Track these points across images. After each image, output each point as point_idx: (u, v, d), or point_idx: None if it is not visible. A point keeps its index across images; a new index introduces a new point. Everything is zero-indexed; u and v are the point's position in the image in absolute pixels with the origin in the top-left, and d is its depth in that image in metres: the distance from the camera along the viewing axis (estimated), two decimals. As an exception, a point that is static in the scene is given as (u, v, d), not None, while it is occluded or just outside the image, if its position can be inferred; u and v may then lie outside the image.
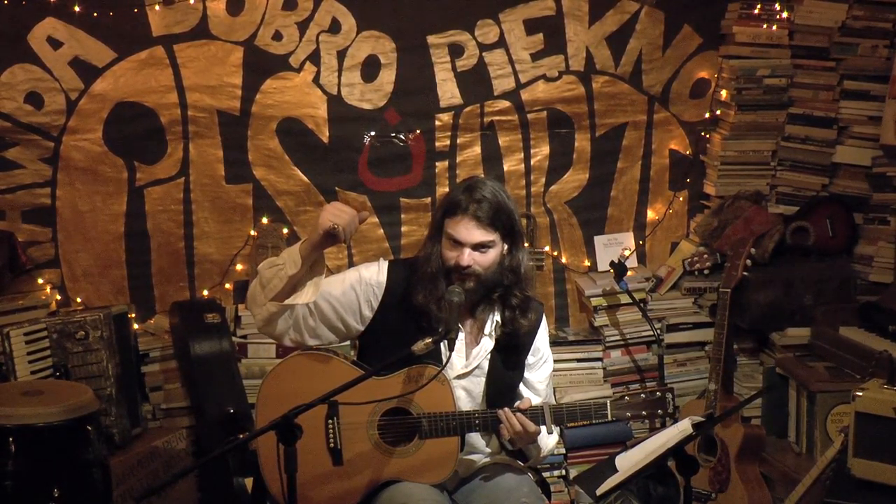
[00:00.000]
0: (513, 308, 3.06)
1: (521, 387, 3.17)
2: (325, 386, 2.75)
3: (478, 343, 3.09)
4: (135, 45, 4.17)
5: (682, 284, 4.57)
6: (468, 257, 2.96)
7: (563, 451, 4.34)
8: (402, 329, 2.99)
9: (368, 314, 3.05)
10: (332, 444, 2.96)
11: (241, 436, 3.65)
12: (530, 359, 3.17)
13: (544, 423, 2.98)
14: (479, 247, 2.97)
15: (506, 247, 3.03)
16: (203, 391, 3.96)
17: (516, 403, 3.00)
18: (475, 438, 3.10)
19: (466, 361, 3.07)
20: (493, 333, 3.08)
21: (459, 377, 3.06)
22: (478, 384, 3.08)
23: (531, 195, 4.56)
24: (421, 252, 3.11)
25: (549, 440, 3.16)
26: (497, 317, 3.08)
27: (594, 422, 3.02)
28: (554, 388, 4.07)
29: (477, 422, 2.97)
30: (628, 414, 3.04)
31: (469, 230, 2.96)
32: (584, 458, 4.31)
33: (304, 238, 2.93)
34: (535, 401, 3.11)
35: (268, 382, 2.98)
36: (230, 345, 4.06)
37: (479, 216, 2.95)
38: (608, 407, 3.02)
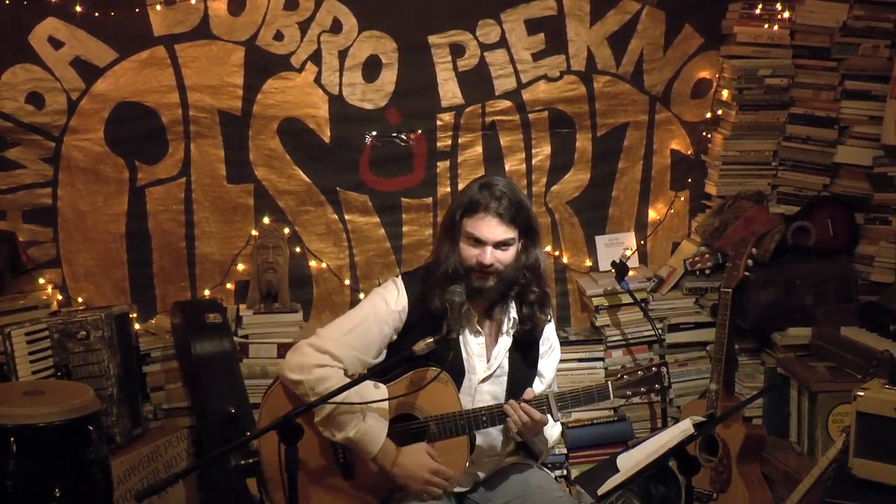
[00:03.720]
0: (531, 304, 3.06)
1: None
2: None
3: (496, 343, 3.08)
4: (136, 45, 4.17)
5: (683, 284, 4.57)
6: (490, 255, 2.95)
7: (564, 451, 4.34)
8: (423, 337, 2.97)
9: (395, 336, 3.04)
10: (341, 459, 2.96)
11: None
12: (541, 348, 3.18)
13: (550, 412, 2.98)
14: (501, 244, 2.96)
15: (521, 244, 3.02)
16: (204, 391, 3.96)
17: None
18: (491, 437, 3.09)
19: (488, 364, 3.06)
20: (510, 331, 3.08)
21: (484, 381, 3.06)
22: (501, 384, 3.08)
23: (532, 195, 4.55)
24: (432, 257, 3.10)
25: (553, 431, 3.18)
26: (513, 314, 3.08)
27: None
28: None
29: (484, 418, 2.97)
30: (629, 392, 3.07)
31: (492, 228, 2.95)
32: (586, 458, 4.31)
33: (393, 454, 2.90)
34: (539, 388, 3.12)
35: (271, 397, 2.99)
36: (231, 345, 4.06)
37: (501, 213, 2.94)
38: (609, 388, 3.04)
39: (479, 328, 3.06)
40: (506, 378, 3.08)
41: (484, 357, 3.06)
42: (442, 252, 3.02)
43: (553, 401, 2.99)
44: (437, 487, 2.92)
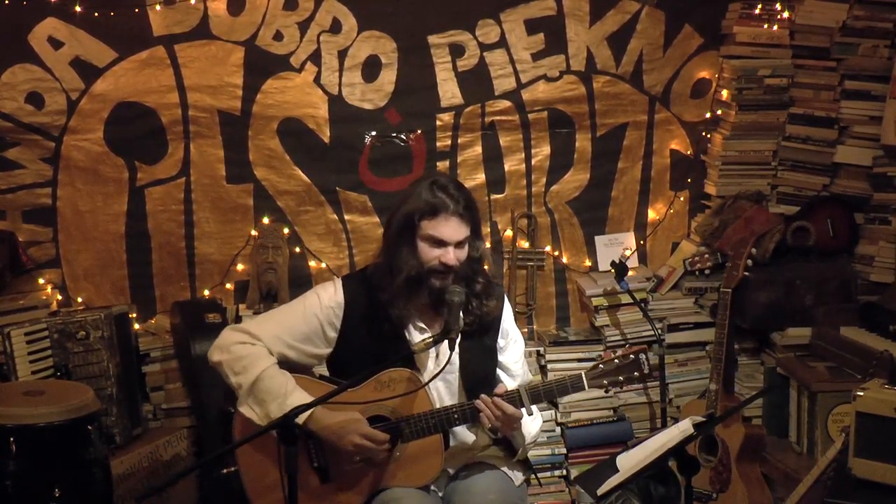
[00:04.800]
0: (477, 295, 3.07)
1: (497, 371, 3.17)
2: None
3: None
4: (136, 45, 4.17)
5: (682, 284, 4.58)
6: (454, 255, 2.96)
7: (564, 450, 4.34)
8: (369, 341, 2.99)
9: (333, 335, 3.05)
10: (315, 464, 2.96)
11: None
12: (500, 342, 3.18)
13: (523, 406, 2.97)
14: (460, 243, 2.99)
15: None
16: (204, 391, 3.95)
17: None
18: (465, 434, 3.09)
19: (437, 360, 3.05)
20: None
21: (434, 377, 3.05)
22: (453, 379, 3.08)
23: (532, 195, 4.56)
24: (383, 260, 3.07)
25: (531, 426, 3.15)
26: None
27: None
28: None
29: (456, 416, 2.97)
30: (605, 381, 3.01)
31: (455, 229, 2.97)
32: (585, 458, 4.32)
33: (324, 418, 2.91)
34: (511, 384, 3.12)
35: (238, 428, 3.02)
36: (231, 345, 4.06)
37: (461, 213, 2.97)
38: (583, 378, 3.01)
39: (424, 325, 3.06)
40: (458, 373, 3.07)
41: (433, 353, 3.04)
42: (400, 257, 3.00)
43: (525, 394, 2.98)
44: (366, 450, 2.91)
